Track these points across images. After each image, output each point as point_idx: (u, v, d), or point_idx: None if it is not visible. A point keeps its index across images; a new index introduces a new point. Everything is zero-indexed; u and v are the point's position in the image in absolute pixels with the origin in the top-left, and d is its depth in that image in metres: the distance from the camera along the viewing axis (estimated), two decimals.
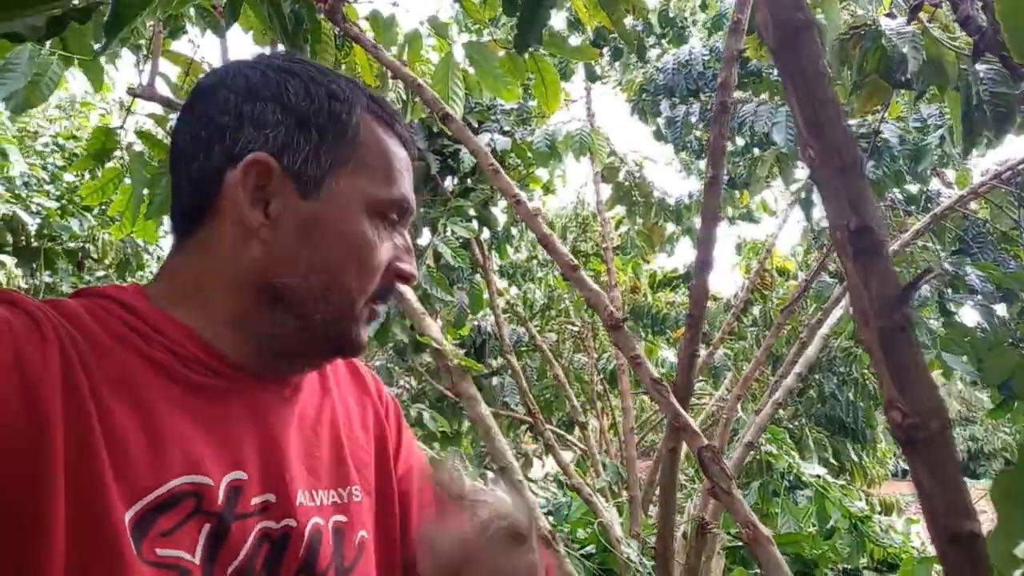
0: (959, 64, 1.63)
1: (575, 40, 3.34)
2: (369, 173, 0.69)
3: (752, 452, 5.01)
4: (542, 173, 4.17)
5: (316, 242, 0.67)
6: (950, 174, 3.65)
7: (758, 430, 2.38)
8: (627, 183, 4.06)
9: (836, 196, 0.64)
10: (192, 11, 2.26)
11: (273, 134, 0.67)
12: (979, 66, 1.60)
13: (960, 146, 1.72)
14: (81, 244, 5.86)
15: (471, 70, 2.10)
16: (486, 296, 3.75)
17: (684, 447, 2.03)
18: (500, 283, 4.75)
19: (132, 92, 2.25)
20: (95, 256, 5.82)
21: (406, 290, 2.53)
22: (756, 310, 5.40)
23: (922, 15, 1.63)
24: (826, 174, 0.64)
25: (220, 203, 0.67)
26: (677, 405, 1.45)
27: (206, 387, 0.65)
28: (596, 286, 1.73)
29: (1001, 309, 2.79)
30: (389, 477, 0.77)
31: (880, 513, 5.59)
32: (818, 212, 3.59)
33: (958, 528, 0.66)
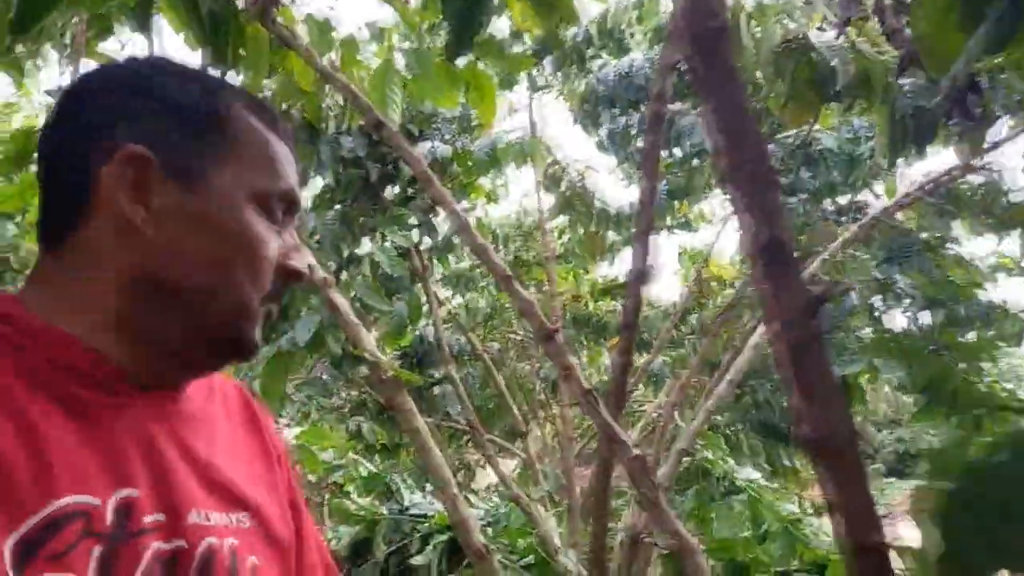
0: (886, 77, 1.68)
1: (519, 48, 3.35)
2: (252, 166, 0.66)
3: (688, 459, 5.09)
4: (485, 181, 4.16)
5: (201, 236, 0.64)
6: (878, 187, 3.78)
7: (691, 438, 2.41)
8: (569, 192, 4.08)
9: (747, 207, 0.63)
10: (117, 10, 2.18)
11: (148, 128, 0.65)
12: (904, 80, 1.66)
13: (886, 156, 1.78)
14: (2, 254, 5.59)
15: (409, 76, 2.08)
16: (426, 306, 3.72)
17: None
18: (443, 292, 4.72)
19: (50, 93, 2.16)
20: (15, 267, 5.55)
21: (341, 301, 2.48)
22: (694, 318, 5.49)
23: (851, 29, 1.68)
24: (738, 184, 0.63)
25: (96, 202, 0.63)
26: (606, 415, 1.44)
27: (90, 400, 0.61)
28: (529, 296, 1.72)
29: (926, 316, 2.89)
30: (283, 517, 0.73)
31: (811, 515, 5.73)
32: None
33: (864, 539, 0.66)
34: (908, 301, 3.35)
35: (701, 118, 3.14)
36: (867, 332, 3.54)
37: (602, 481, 1.86)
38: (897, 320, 3.29)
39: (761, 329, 2.70)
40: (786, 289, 0.63)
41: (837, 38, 1.71)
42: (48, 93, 2.19)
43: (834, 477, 0.65)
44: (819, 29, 1.99)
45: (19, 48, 2.18)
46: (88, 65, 2.35)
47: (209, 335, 0.65)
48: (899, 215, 3.42)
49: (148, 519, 0.60)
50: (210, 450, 0.68)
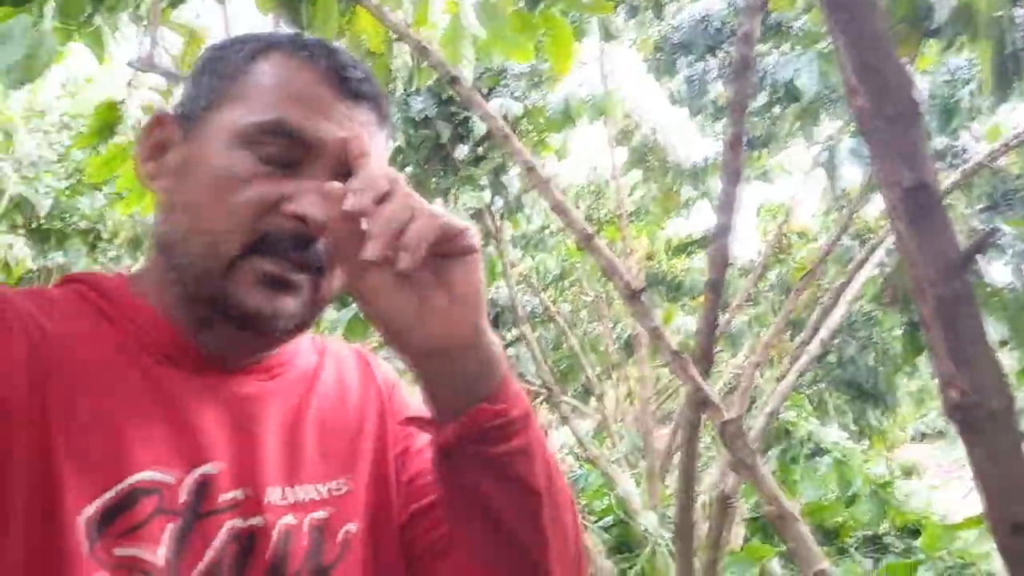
0: (993, 9, 1.53)
1: None
2: (246, 103, 0.61)
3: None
4: (556, 138, 4.08)
5: (186, 182, 0.61)
6: (977, 128, 3.53)
7: (780, 399, 2.32)
8: (643, 147, 3.96)
9: (888, 149, 0.57)
10: None
11: (187, 96, 0.64)
12: (1017, 10, 1.50)
13: (991, 97, 1.63)
14: (92, 223, 5.84)
15: (481, 32, 2.02)
16: (499, 268, 3.69)
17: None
18: (513, 253, 4.69)
19: (131, 64, 2.19)
20: (106, 236, 5.79)
21: None
22: (773, 275, 5.31)
23: None
24: (877, 124, 0.56)
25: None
26: (699, 378, 1.39)
27: (173, 378, 0.60)
28: (613, 255, 1.66)
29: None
30: (387, 464, 0.69)
31: (900, 477, 5.55)
32: (845, 171, 3.47)
33: (1019, 518, 0.60)
34: (1012, 252, 3.13)
35: (790, 58, 2.97)
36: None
37: (690, 445, 1.81)
38: (999, 273, 3.09)
39: (855, 285, 2.57)
40: (934, 240, 0.56)
41: None
42: (129, 64, 2.21)
43: (985, 449, 0.59)
44: None
45: (98, 20, 2.21)
46: (164, 35, 2.38)
47: (195, 294, 0.60)
48: (1003, 160, 3.18)
49: (226, 497, 0.59)
50: (301, 418, 0.65)
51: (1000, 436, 0.59)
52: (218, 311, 0.60)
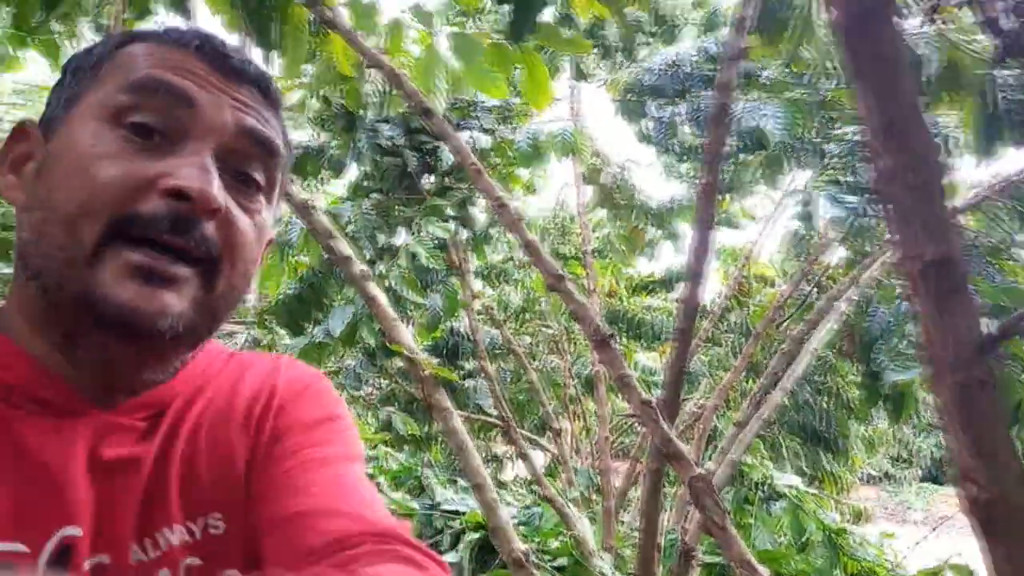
0: (979, 69, 1.54)
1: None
2: (112, 80, 0.54)
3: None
4: (523, 172, 4.06)
5: (45, 180, 0.53)
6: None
7: (743, 447, 2.29)
8: (610, 185, 3.96)
9: (910, 218, 0.52)
10: None
11: (48, 104, 0.58)
12: (1000, 71, 1.52)
13: (975, 154, 1.64)
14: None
15: (455, 64, 1.98)
16: (461, 298, 3.63)
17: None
18: (475, 285, 4.63)
19: None
20: None
21: (378, 293, 2.40)
22: (733, 316, 5.34)
23: (939, 16, 1.54)
24: (899, 191, 0.52)
25: None
26: (668, 430, 1.34)
27: (35, 424, 0.51)
28: (582, 299, 1.62)
29: (992, 326, 2.73)
30: (251, 482, 0.58)
31: (850, 521, 5.57)
32: (821, 220, 3.50)
33: None
34: None
35: (756, 104, 3.00)
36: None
37: (652, 495, 1.76)
38: None
39: (819, 335, 2.57)
40: (956, 320, 0.52)
41: (922, 26, 1.58)
42: None
43: (1007, 549, 0.54)
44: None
45: (56, 28, 2.12)
46: None
47: (61, 301, 0.50)
48: (961, 218, 3.24)
49: (89, 562, 0.51)
50: (174, 455, 0.56)
51: (1020, 536, 0.54)
52: (85, 316, 0.50)
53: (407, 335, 2.25)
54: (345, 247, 2.16)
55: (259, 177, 0.57)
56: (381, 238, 3.27)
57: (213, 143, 0.53)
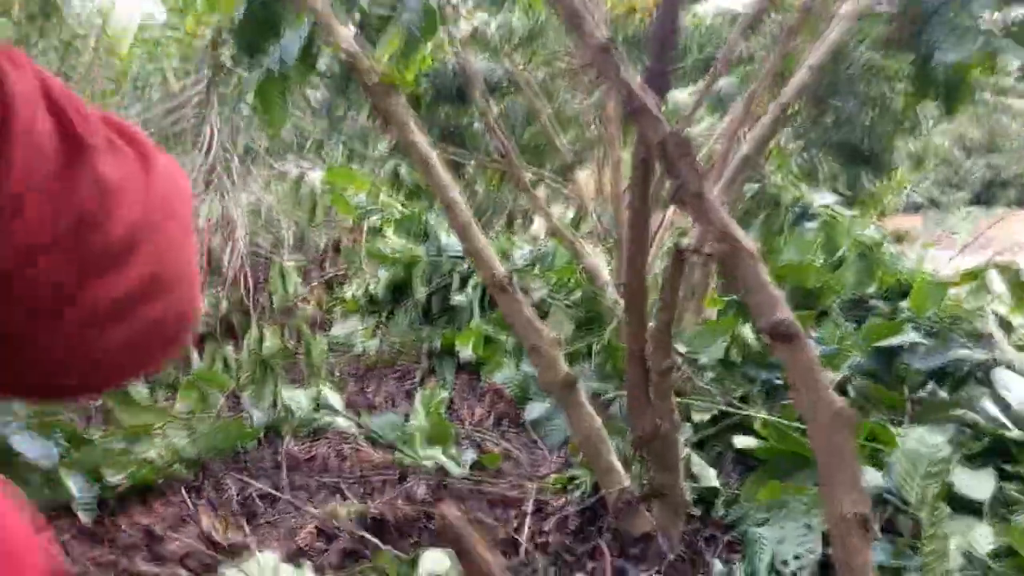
0: None
1: None
2: None
3: (756, 185, 4.61)
4: None
5: None
6: None
7: (759, 143, 1.94)
8: None
9: None
10: None
11: None
12: None
13: None
14: None
15: None
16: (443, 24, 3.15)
17: None
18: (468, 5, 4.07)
19: None
20: None
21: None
22: (772, 24, 4.69)
23: None
24: None
25: None
26: (627, 76, 0.99)
27: None
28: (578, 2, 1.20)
29: None
30: None
31: (891, 243, 5.32)
32: None
33: None
34: None
35: None
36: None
37: (641, 185, 1.46)
38: None
39: (848, 6, 2.09)
40: None
41: None
42: None
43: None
44: None
45: None
46: None
47: None
48: None
49: None
50: None
51: None
52: None
53: (347, 35, 1.88)
54: None
55: None
56: None
57: None
